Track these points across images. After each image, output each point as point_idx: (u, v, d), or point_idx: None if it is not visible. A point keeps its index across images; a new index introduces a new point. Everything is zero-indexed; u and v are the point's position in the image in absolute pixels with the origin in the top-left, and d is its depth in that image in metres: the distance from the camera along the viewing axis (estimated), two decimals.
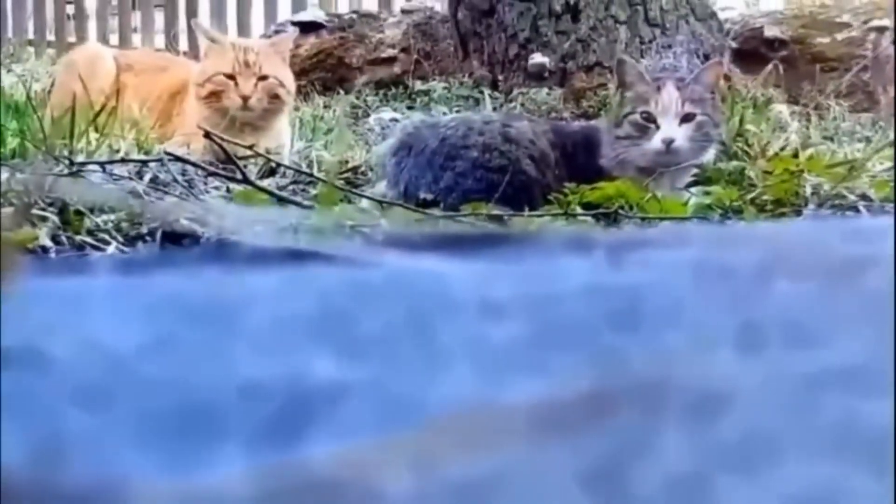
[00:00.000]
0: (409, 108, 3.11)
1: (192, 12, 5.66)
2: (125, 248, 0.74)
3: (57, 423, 0.40)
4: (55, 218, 0.83)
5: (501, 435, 0.38)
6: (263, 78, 2.35)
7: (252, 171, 1.94)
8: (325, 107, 2.93)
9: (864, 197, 1.89)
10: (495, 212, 1.78)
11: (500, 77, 3.31)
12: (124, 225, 0.81)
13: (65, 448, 0.38)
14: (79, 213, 0.92)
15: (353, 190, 1.66)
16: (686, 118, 2.08)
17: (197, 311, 0.53)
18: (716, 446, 0.37)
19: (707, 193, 1.96)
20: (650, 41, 3.21)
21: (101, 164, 1.47)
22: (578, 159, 2.05)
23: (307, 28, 3.67)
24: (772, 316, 0.50)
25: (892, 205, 1.71)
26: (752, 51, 3.41)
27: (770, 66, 3.24)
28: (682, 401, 0.40)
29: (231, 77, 2.34)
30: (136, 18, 5.97)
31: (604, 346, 0.47)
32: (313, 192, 1.71)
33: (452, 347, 0.48)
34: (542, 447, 0.37)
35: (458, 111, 2.92)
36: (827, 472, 0.35)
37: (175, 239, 0.78)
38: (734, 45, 3.40)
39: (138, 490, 0.35)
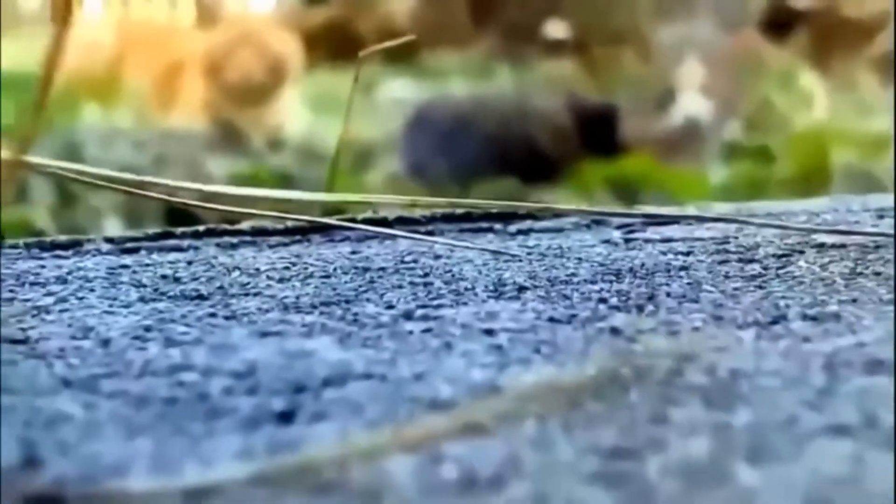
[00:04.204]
0: (421, 80, 3.08)
1: None
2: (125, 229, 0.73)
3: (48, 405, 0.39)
4: (52, 197, 0.82)
5: (510, 416, 0.37)
6: (267, 51, 2.33)
7: (255, 145, 1.93)
8: (333, 80, 2.90)
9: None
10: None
11: (516, 48, 3.27)
12: (125, 205, 0.80)
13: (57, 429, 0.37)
14: (76, 192, 0.91)
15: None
16: (709, 91, 2.06)
17: (195, 291, 0.51)
18: (732, 426, 0.35)
19: (730, 168, 1.94)
20: (672, 11, 3.16)
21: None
22: (596, 133, 2.03)
23: None
24: (791, 294, 0.48)
25: None
26: (779, 21, 3.36)
27: (797, 37, 3.19)
28: (697, 379, 0.39)
29: (235, 49, 2.33)
30: None
31: (617, 324, 0.45)
32: (319, 170, 1.70)
33: (461, 326, 0.46)
34: (553, 428, 0.36)
35: (471, 84, 2.89)
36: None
37: (178, 220, 0.76)
38: (760, 14, 3.35)
39: (132, 482, 0.34)
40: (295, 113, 2.37)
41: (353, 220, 0.62)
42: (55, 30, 0.34)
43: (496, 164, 1.95)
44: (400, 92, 2.73)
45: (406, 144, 1.99)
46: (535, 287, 0.51)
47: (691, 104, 2.09)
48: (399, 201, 0.61)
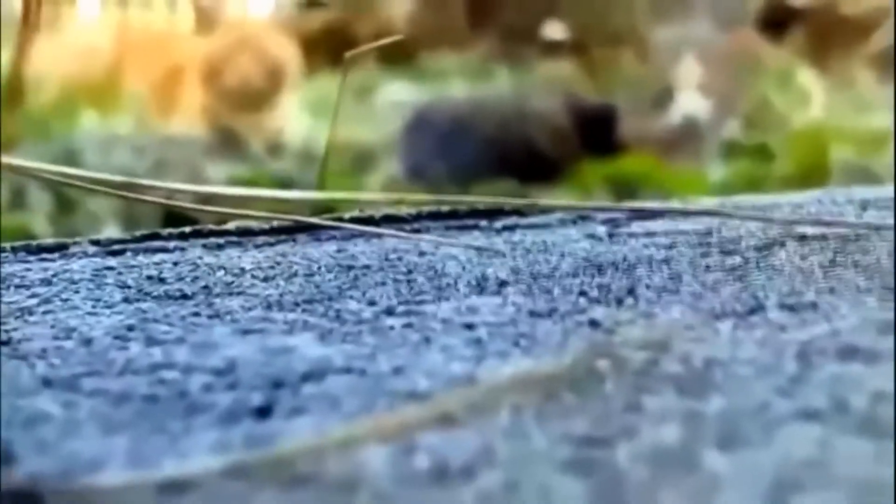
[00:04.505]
0: (420, 83, 3.08)
1: None
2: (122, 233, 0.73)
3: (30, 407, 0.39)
4: (50, 203, 0.83)
5: (484, 407, 0.37)
6: (265, 56, 2.33)
7: (255, 150, 1.94)
8: (331, 84, 2.90)
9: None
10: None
11: (514, 49, 3.27)
12: (121, 209, 0.80)
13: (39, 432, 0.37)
14: (74, 197, 0.92)
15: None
16: (706, 90, 2.06)
17: (179, 291, 0.51)
18: (707, 416, 0.35)
19: (729, 166, 1.94)
20: (670, 11, 3.16)
21: None
22: (595, 133, 2.04)
23: (313, 3, 3.65)
24: (773, 285, 0.48)
25: None
26: (777, 19, 3.36)
27: (794, 35, 3.19)
28: (672, 368, 0.39)
29: (233, 55, 2.34)
30: None
31: (597, 317, 0.45)
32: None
33: (441, 321, 0.46)
34: (528, 419, 0.36)
35: (470, 86, 2.89)
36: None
37: (175, 225, 0.77)
38: (757, 12, 3.35)
39: (107, 477, 0.34)
40: (294, 117, 2.37)
41: (340, 220, 0.62)
42: (22, 32, 0.34)
43: (495, 165, 1.96)
44: (398, 95, 2.73)
45: (405, 147, 1.99)
46: (517, 282, 0.51)
47: (689, 103, 2.09)
48: (386, 199, 0.61)
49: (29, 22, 0.34)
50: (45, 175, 0.51)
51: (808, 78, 2.75)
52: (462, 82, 2.99)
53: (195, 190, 0.54)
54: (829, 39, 3.24)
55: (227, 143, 1.88)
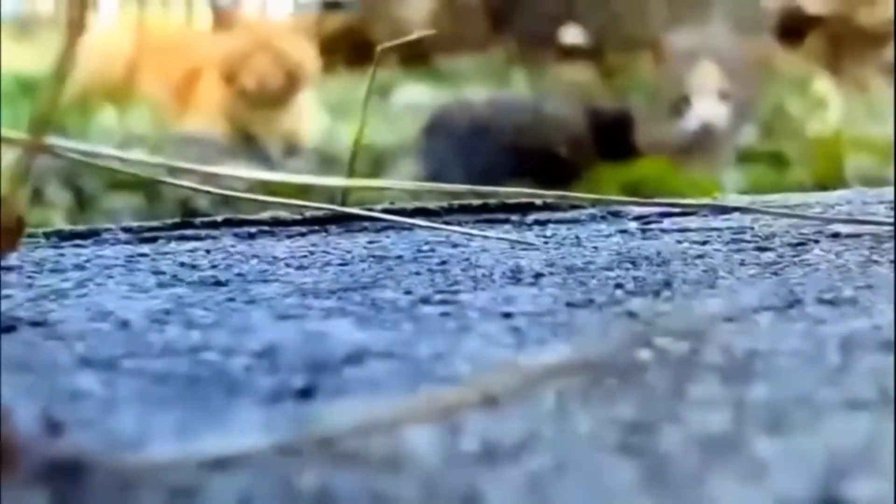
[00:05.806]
0: (438, 85, 3.07)
1: None
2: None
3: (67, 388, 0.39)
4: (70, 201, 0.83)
5: (529, 392, 0.37)
6: (282, 57, 2.33)
7: (272, 151, 1.93)
8: (349, 85, 2.90)
9: None
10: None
11: (532, 53, 3.27)
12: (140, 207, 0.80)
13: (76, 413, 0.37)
14: (95, 195, 0.93)
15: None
16: (723, 96, 2.05)
17: (214, 278, 0.51)
18: (748, 406, 0.35)
19: (744, 173, 1.94)
20: (687, 17, 3.15)
21: None
22: (612, 138, 2.03)
23: (332, 5, 3.65)
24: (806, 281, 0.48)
25: None
26: (793, 26, 3.35)
27: (811, 42, 3.18)
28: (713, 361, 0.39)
29: (250, 56, 2.33)
30: None
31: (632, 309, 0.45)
32: (336, 175, 1.71)
33: (479, 310, 0.46)
34: (573, 404, 0.36)
35: (487, 89, 2.89)
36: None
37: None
38: (774, 20, 3.35)
39: (153, 452, 0.34)
40: (311, 118, 2.37)
41: (372, 210, 0.62)
42: (68, 35, 0.34)
43: (512, 169, 1.95)
44: (416, 97, 2.73)
45: (424, 150, 1.99)
46: (552, 274, 0.51)
47: (706, 109, 2.09)
48: (418, 188, 0.61)
49: (76, 22, 0.34)
50: (84, 158, 0.51)
51: (824, 86, 2.74)
52: (480, 85, 2.98)
53: (243, 176, 0.55)
54: (847, 47, 3.24)
55: (245, 143, 1.89)
